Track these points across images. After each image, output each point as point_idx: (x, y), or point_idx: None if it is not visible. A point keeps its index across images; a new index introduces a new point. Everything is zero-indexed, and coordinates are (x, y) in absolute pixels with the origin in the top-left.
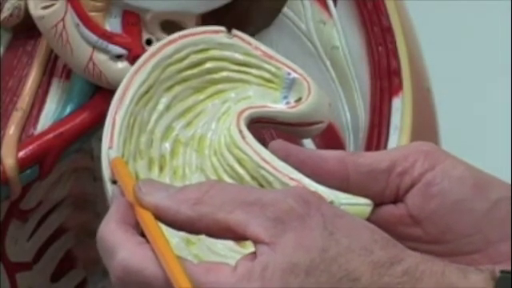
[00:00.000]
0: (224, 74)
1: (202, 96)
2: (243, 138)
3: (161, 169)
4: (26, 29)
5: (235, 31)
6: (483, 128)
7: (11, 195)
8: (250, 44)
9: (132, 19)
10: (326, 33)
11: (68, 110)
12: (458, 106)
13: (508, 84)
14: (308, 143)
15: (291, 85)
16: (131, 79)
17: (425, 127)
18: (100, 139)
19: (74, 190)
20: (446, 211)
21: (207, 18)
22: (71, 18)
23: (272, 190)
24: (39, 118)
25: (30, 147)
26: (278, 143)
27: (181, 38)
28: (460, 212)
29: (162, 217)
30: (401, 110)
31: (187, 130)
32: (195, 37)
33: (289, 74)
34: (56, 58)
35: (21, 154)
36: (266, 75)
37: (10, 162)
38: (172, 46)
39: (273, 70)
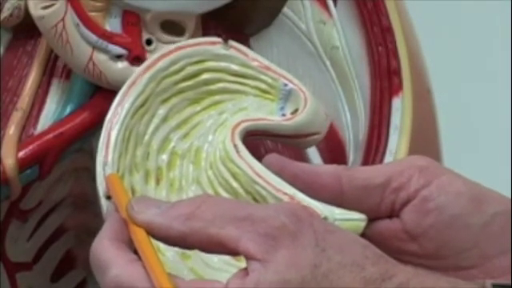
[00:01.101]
0: (220, 85)
1: (198, 107)
2: (237, 152)
3: (157, 181)
4: (26, 29)
5: (232, 42)
6: (483, 128)
7: (11, 195)
8: (246, 55)
9: (132, 19)
10: (326, 33)
11: (68, 109)
12: (458, 106)
13: (508, 84)
14: None
15: (288, 96)
16: (127, 92)
17: (425, 127)
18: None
19: (74, 190)
20: (443, 227)
21: (207, 18)
22: (71, 18)
23: (264, 206)
24: (39, 118)
25: (30, 147)
26: (273, 157)
27: (176, 49)
28: (456, 227)
29: (154, 234)
30: (401, 110)
31: (184, 142)
32: (191, 48)
33: (285, 85)
34: (56, 58)
35: (21, 154)
36: (263, 86)
37: (9, 162)
38: (168, 57)
39: (269, 81)
